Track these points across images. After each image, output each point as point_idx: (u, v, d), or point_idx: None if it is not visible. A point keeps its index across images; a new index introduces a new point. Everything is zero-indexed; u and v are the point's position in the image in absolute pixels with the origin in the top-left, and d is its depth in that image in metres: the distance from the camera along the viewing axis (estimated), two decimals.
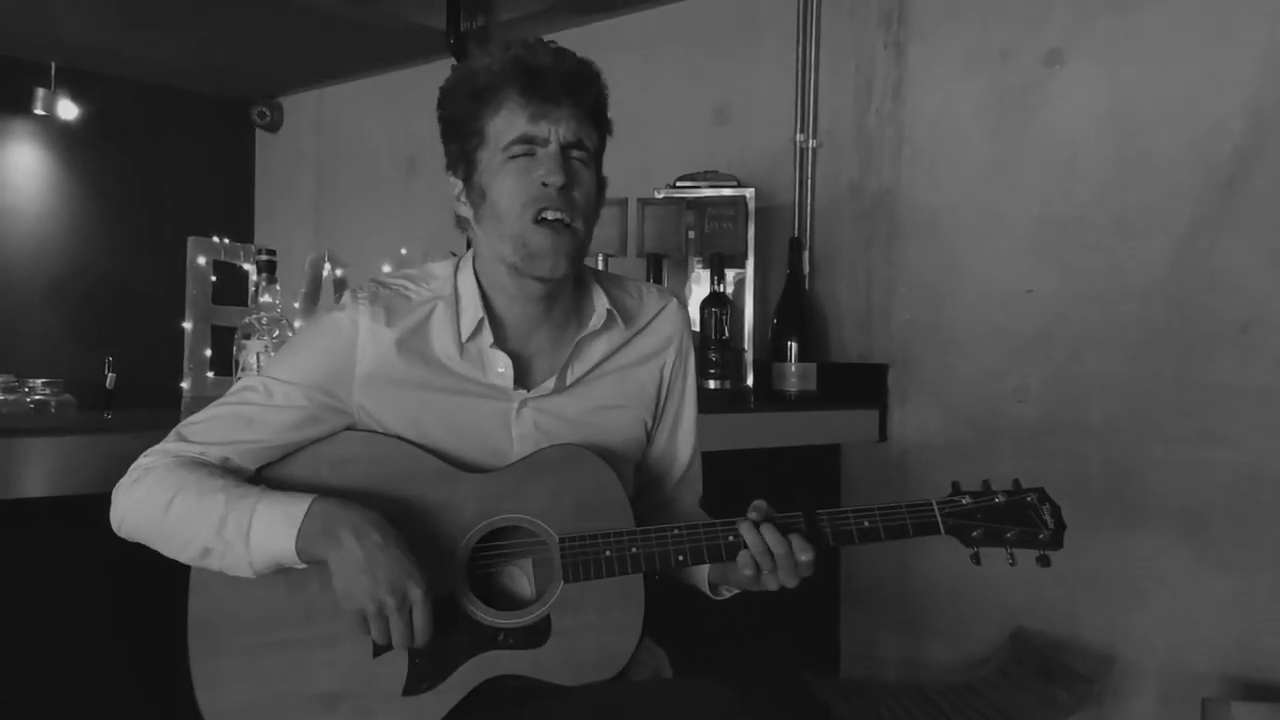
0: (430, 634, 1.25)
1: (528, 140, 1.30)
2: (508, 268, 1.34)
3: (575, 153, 1.32)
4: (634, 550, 1.31)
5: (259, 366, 1.87)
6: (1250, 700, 1.88)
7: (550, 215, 1.30)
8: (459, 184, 1.37)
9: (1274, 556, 1.99)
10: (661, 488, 1.51)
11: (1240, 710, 1.83)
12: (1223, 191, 2.06)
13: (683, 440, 1.51)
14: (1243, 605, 2.01)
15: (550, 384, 1.38)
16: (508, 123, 1.30)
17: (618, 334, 1.43)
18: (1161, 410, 2.13)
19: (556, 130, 1.30)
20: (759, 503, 1.33)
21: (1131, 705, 2.12)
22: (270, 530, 1.24)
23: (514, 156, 1.30)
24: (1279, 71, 2.01)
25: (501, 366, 1.35)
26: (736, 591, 1.40)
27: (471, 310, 1.35)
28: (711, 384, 2.46)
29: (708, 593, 1.43)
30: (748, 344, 2.57)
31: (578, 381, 1.40)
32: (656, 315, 1.47)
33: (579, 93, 1.31)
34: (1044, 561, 1.32)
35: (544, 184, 1.29)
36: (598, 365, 1.42)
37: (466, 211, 1.37)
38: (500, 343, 1.37)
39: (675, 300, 1.50)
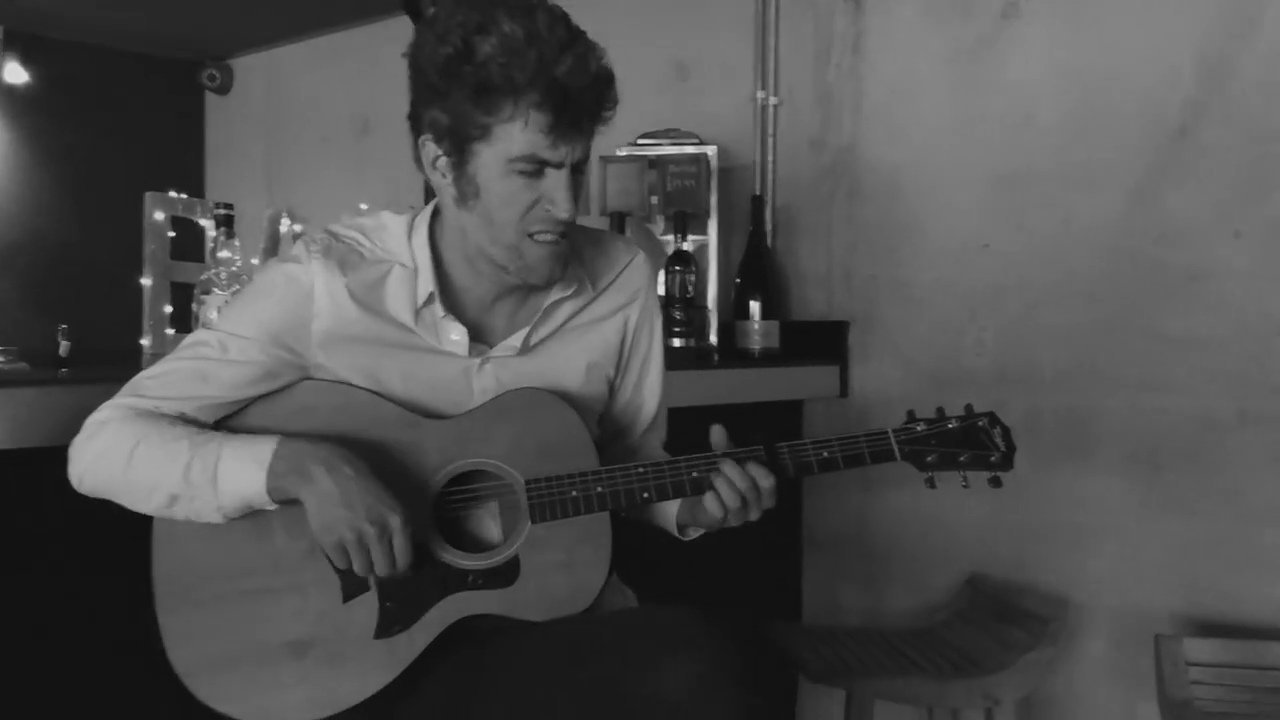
0: (411, 559, 1.25)
1: (541, 162, 1.24)
2: (492, 262, 1.31)
3: (579, 168, 1.28)
4: (599, 489, 1.32)
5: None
6: (1201, 637, 1.94)
7: (551, 238, 1.28)
8: (439, 155, 1.28)
9: (1222, 499, 2.04)
10: (628, 437, 1.52)
11: (1192, 646, 1.89)
12: (1173, 142, 2.10)
13: (649, 391, 1.52)
14: (1192, 547, 2.07)
15: (516, 344, 1.38)
16: (524, 138, 1.22)
17: (585, 293, 1.42)
18: (1112, 360, 2.17)
19: (572, 152, 1.25)
20: (718, 426, 1.33)
21: (1087, 644, 2.18)
22: (238, 472, 1.24)
23: (521, 172, 1.24)
24: (1229, 21, 2.04)
25: (455, 334, 1.35)
26: (703, 532, 1.42)
27: (424, 281, 1.33)
28: (676, 342, 2.47)
29: (676, 534, 1.44)
30: (712, 302, 2.58)
31: (542, 341, 1.40)
32: (623, 270, 1.46)
33: (601, 115, 1.26)
34: (995, 482, 1.35)
35: (548, 209, 1.26)
36: (563, 324, 1.42)
37: (447, 189, 1.30)
38: (458, 311, 1.35)
39: (642, 254, 1.49)
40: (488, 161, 1.25)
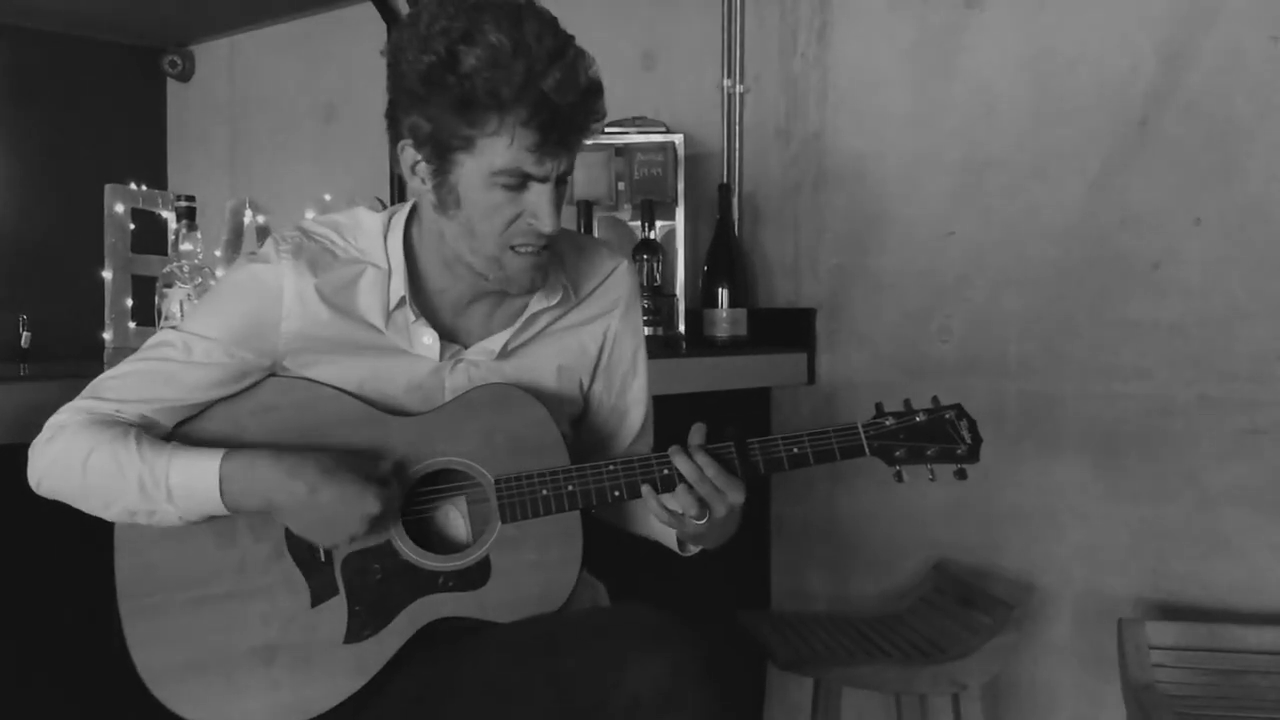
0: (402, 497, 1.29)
1: (525, 175, 1.22)
2: (471, 269, 1.29)
3: (563, 179, 1.26)
4: (571, 488, 1.31)
5: (181, 316, 1.84)
6: (1163, 620, 1.97)
7: (532, 249, 1.27)
8: (419, 160, 1.25)
9: (1183, 483, 2.07)
10: (612, 446, 1.50)
11: (1154, 629, 1.92)
12: (1135, 132, 2.12)
13: (633, 400, 1.49)
14: (1154, 531, 2.10)
15: (493, 349, 1.36)
16: (509, 153, 1.20)
17: (567, 302, 1.40)
18: (1076, 346, 2.19)
19: (557, 166, 1.23)
20: (699, 425, 1.32)
21: (1051, 628, 2.21)
22: (192, 491, 1.23)
23: (505, 185, 1.22)
24: (1189, 11, 2.06)
25: (427, 339, 1.33)
26: (702, 548, 1.42)
27: (397, 284, 1.31)
28: (644, 331, 2.47)
29: (677, 550, 1.44)
30: (679, 290, 2.58)
31: (519, 346, 1.39)
32: (606, 278, 1.44)
33: (588, 129, 1.24)
34: (961, 475, 1.36)
35: (531, 223, 1.24)
36: (542, 330, 1.40)
37: (427, 195, 1.27)
38: (431, 313, 1.34)
39: (626, 262, 1.47)
40: (470, 172, 1.22)
